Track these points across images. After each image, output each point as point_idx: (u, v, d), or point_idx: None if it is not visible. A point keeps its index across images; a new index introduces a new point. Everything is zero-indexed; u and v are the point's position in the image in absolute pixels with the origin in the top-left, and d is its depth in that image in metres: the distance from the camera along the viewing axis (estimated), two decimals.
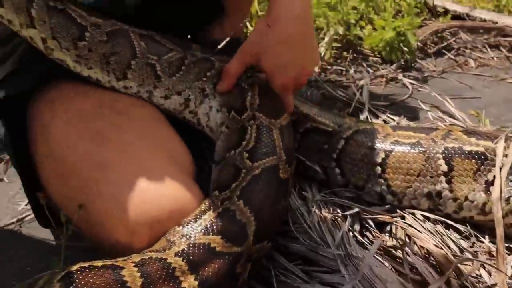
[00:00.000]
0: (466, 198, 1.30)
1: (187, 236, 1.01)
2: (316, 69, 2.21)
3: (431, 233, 1.28)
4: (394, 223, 1.30)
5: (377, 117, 1.84)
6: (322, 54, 2.28)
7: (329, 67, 2.27)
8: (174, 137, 1.25)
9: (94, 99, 1.23)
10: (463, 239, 1.29)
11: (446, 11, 2.78)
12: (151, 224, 1.05)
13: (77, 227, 1.15)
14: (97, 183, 1.11)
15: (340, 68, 2.26)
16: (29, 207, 1.45)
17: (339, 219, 1.28)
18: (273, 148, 1.19)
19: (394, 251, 1.22)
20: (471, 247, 1.27)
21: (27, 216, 1.45)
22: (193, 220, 1.05)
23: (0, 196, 1.57)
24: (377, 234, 1.29)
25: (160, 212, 1.06)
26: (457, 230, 1.32)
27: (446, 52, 2.46)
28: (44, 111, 1.21)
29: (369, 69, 2.27)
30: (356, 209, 1.32)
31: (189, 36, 1.67)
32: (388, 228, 1.33)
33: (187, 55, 1.33)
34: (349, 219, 1.28)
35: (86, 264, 0.89)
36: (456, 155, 1.31)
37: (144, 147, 1.17)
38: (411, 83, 2.12)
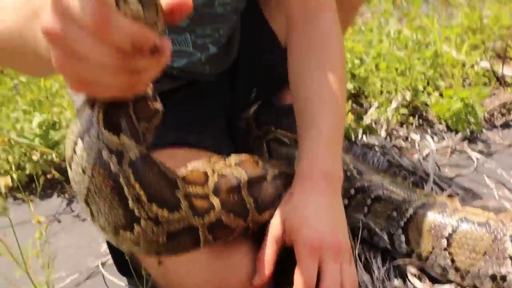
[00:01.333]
0: None
1: None
2: (383, 134, 2.28)
3: None
4: None
5: (441, 189, 1.88)
6: (390, 119, 2.35)
7: (395, 132, 2.33)
8: None
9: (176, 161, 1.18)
10: None
11: None
12: None
13: (156, 281, 1.23)
14: None
15: (405, 135, 2.31)
16: None
17: None
18: None
19: None
20: None
21: (108, 259, 1.55)
22: None
23: (84, 235, 1.70)
24: None
25: None
26: None
27: None
28: None
29: (434, 136, 2.31)
30: (420, 285, 1.36)
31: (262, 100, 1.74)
32: None
33: None
34: None
35: None
36: None
37: None
38: (476, 158, 2.14)
